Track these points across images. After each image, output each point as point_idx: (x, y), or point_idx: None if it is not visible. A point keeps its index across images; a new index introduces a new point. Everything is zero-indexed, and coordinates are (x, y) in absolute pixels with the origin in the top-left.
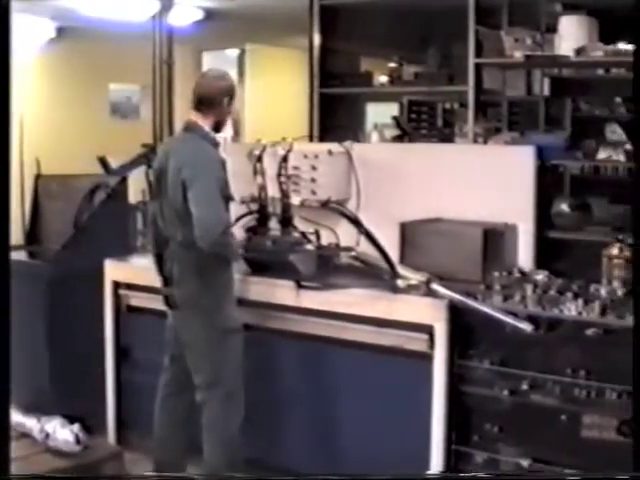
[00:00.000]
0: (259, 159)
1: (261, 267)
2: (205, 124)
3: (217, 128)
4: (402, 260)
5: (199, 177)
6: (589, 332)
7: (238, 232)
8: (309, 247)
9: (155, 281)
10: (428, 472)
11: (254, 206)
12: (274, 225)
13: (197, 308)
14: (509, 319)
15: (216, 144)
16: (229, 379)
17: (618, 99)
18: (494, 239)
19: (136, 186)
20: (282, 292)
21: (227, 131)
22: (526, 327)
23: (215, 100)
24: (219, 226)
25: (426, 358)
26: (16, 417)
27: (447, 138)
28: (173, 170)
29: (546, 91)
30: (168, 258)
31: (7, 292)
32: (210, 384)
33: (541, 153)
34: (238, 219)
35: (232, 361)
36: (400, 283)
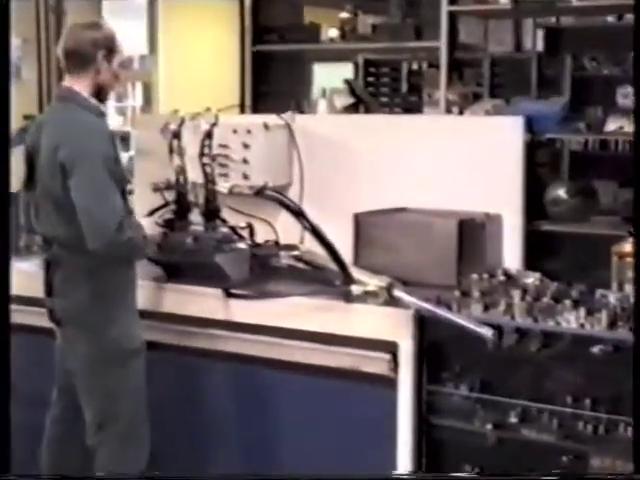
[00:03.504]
0: (176, 135)
1: (179, 271)
2: (82, 89)
3: (100, 94)
4: (357, 261)
5: (82, 159)
6: (595, 350)
7: (150, 227)
8: (240, 245)
9: (40, 291)
10: None
11: (170, 195)
12: (196, 218)
13: (84, 324)
14: (471, 325)
15: (101, 113)
16: (128, 413)
17: (633, 54)
18: (472, 233)
19: (18, 170)
20: (206, 302)
21: (135, 99)
22: (486, 332)
23: (87, 56)
24: (112, 220)
25: (388, 383)
26: None
27: (413, 107)
28: (47, 150)
29: (540, 46)
30: (49, 261)
31: (7, 296)
32: (104, 422)
33: (532, 125)
34: (152, 212)
35: (132, 390)
36: (355, 290)
